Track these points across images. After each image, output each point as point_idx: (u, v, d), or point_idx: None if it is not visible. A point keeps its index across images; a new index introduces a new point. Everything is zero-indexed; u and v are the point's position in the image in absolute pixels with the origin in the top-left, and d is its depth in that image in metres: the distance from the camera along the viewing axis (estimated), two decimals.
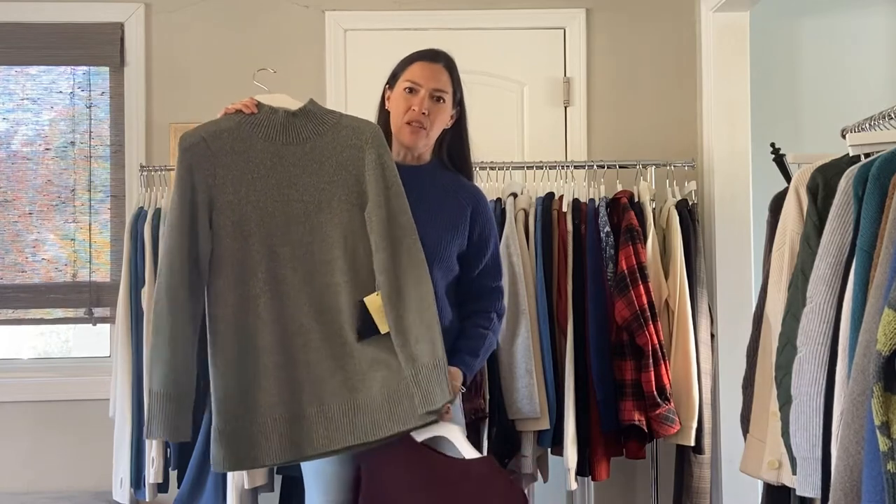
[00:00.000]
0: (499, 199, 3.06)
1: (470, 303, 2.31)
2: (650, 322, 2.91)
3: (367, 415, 2.08)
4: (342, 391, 2.09)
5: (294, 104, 2.21)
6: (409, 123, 2.26)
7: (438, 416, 2.07)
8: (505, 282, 2.54)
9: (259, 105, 2.20)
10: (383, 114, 2.35)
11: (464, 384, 2.24)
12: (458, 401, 2.27)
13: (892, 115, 2.17)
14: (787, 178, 2.80)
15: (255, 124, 2.17)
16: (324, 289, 2.11)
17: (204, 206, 2.12)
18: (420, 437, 2.11)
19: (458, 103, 2.33)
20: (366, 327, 2.10)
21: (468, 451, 2.12)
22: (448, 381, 2.08)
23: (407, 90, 2.26)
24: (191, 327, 2.11)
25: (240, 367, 2.10)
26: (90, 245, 3.51)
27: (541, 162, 3.22)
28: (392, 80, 2.33)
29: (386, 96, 2.35)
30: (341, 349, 2.10)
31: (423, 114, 2.24)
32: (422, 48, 2.33)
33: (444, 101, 2.27)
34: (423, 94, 2.24)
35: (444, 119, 2.30)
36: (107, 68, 3.52)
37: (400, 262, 2.10)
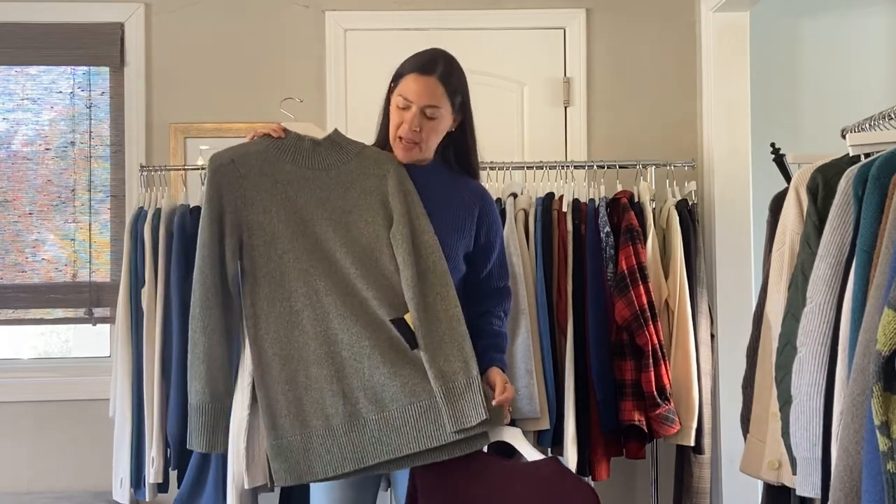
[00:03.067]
0: (499, 199, 3.05)
1: (477, 303, 2.30)
2: (650, 322, 2.91)
3: (430, 421, 2.09)
4: (402, 396, 2.09)
5: (320, 133, 2.28)
6: (400, 139, 2.23)
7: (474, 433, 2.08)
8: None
9: (286, 131, 2.26)
10: (387, 114, 2.31)
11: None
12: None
13: (892, 115, 2.17)
14: (787, 178, 2.81)
15: (282, 149, 2.23)
16: (365, 302, 2.13)
17: (233, 227, 2.17)
18: None
19: (460, 109, 2.27)
20: (413, 342, 2.11)
21: (531, 454, 2.11)
22: (483, 399, 2.08)
23: (399, 105, 2.22)
24: (225, 343, 2.17)
25: (289, 383, 2.14)
26: (90, 245, 3.51)
27: (541, 162, 3.22)
28: (394, 81, 2.28)
29: (390, 96, 2.30)
30: (396, 356, 2.10)
31: (415, 130, 2.21)
32: (422, 51, 2.27)
33: (437, 116, 2.21)
34: (415, 110, 2.19)
35: (439, 131, 2.25)
36: (107, 68, 3.51)
37: (426, 278, 2.14)
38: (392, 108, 2.25)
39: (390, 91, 2.30)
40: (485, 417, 2.07)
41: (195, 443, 2.17)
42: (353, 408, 2.12)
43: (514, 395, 2.20)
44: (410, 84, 2.20)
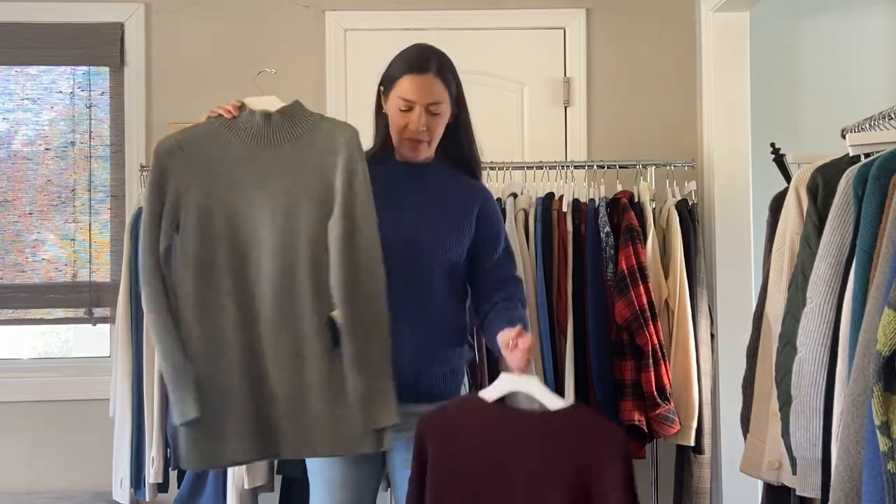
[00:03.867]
0: (499, 199, 3.05)
1: (492, 294, 2.26)
2: (650, 322, 2.91)
3: (343, 427, 2.06)
4: (319, 400, 2.06)
5: (277, 105, 2.18)
6: (408, 139, 2.22)
7: (381, 436, 2.06)
8: None
9: (241, 108, 2.18)
10: (381, 117, 2.29)
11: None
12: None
13: (892, 115, 2.17)
14: (787, 178, 2.81)
15: (232, 128, 2.15)
16: (291, 293, 2.08)
17: (171, 210, 2.10)
18: (493, 394, 2.01)
19: (457, 101, 2.26)
20: (337, 341, 2.07)
21: (553, 402, 2.02)
22: (395, 403, 2.05)
23: (401, 108, 2.20)
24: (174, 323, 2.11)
25: (208, 365, 2.08)
26: (90, 245, 3.51)
27: (541, 162, 3.22)
28: (385, 84, 2.27)
29: (382, 99, 2.29)
30: (317, 357, 2.07)
31: (423, 129, 2.20)
32: (407, 50, 2.25)
33: (440, 112, 2.21)
34: (419, 110, 2.18)
35: (444, 125, 2.25)
36: (107, 68, 3.51)
37: (357, 276, 2.06)
38: (392, 112, 2.23)
39: (380, 95, 2.29)
40: (396, 421, 2.06)
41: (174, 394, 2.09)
42: (268, 397, 2.08)
43: (531, 343, 2.08)
44: (408, 85, 2.18)
